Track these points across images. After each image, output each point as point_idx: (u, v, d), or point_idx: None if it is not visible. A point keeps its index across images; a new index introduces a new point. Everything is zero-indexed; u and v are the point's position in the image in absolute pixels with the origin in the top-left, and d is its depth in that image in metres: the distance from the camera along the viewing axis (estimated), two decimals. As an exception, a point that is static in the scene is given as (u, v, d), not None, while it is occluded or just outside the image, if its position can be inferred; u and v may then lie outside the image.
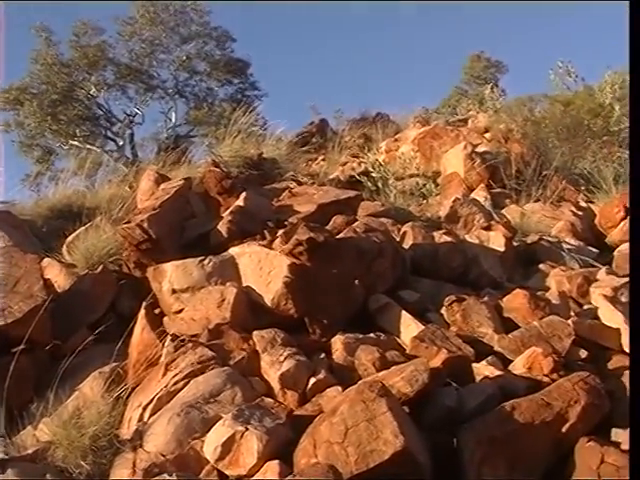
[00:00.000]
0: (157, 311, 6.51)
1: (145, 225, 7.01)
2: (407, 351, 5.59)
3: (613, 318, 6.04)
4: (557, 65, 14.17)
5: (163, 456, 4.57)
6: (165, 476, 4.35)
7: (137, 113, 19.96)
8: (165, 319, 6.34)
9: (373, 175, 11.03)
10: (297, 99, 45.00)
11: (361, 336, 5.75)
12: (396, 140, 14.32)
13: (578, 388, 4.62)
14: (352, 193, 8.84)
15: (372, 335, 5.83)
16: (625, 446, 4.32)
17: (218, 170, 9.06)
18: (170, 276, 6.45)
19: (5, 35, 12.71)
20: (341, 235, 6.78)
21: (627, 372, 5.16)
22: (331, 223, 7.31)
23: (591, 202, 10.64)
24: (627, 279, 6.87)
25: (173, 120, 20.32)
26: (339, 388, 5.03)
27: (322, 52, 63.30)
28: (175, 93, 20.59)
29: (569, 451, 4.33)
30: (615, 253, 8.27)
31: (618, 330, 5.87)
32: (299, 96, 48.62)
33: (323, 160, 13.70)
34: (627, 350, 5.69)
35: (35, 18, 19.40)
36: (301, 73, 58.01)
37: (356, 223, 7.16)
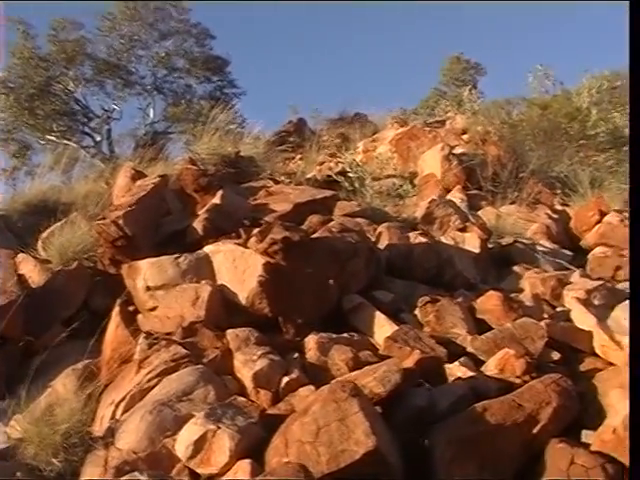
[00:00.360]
0: (131, 308, 6.49)
1: (120, 222, 7.01)
2: (380, 351, 5.61)
3: (586, 321, 6.10)
4: (536, 68, 14.28)
5: (135, 454, 4.54)
6: (136, 474, 4.33)
7: (115, 109, 19.83)
8: (139, 316, 6.32)
9: (350, 175, 11.03)
10: (276, 98, 44.92)
11: (335, 336, 5.74)
12: (374, 140, 14.33)
13: (550, 390, 4.64)
14: (328, 193, 8.87)
15: (346, 335, 5.83)
16: (595, 447, 4.34)
17: (195, 167, 9.07)
18: (145, 273, 6.43)
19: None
20: (316, 235, 6.80)
21: (598, 374, 5.20)
22: (306, 222, 7.33)
23: (567, 205, 10.71)
24: (600, 282, 6.95)
25: (151, 116, 20.24)
26: (312, 388, 5.02)
27: (301, 51, 63.24)
28: (153, 89, 20.48)
29: (540, 452, 4.35)
30: (589, 256, 8.35)
31: (590, 333, 5.92)
32: (278, 95, 48.59)
33: (300, 159, 13.69)
34: (599, 352, 5.76)
35: (13, 11, 19.28)
36: (280, 72, 57.93)
37: (331, 223, 7.18)
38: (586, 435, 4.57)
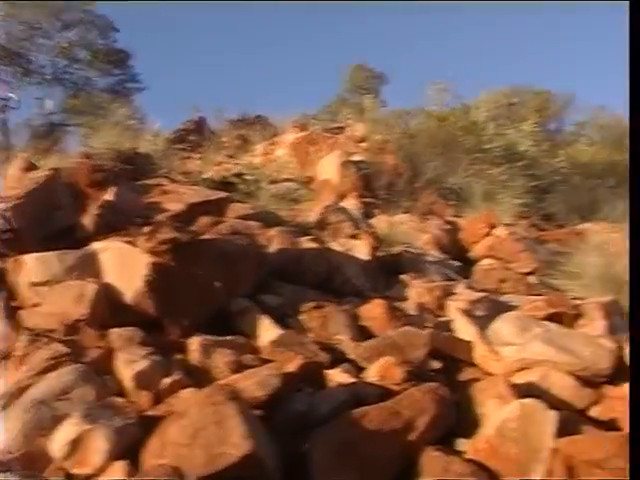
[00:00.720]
0: (15, 303, 6.33)
1: (8, 214, 6.84)
2: (264, 355, 5.60)
3: (467, 331, 6.21)
4: (436, 81, 14.58)
5: (9, 453, 4.43)
6: (8, 475, 4.24)
7: (12, 97, 19.36)
8: (22, 312, 6.16)
9: (246, 177, 11.03)
10: (177, 96, 44.66)
11: (219, 338, 5.70)
12: (273, 143, 14.37)
13: (428, 398, 4.70)
14: (222, 194, 8.85)
15: (230, 338, 5.80)
16: (468, 455, 4.45)
17: (90, 162, 8.93)
18: (29, 268, 6.29)
19: None
20: (206, 236, 6.77)
21: (476, 384, 5.29)
22: (197, 223, 7.30)
23: (459, 217, 10.92)
24: (484, 294, 7.12)
25: (49, 107, 19.83)
26: (193, 390, 4.98)
27: (206, 51, 63.04)
28: (53, 80, 20.09)
29: (416, 459, 4.39)
30: (475, 268, 8.54)
31: (471, 343, 6.03)
32: (179, 93, 48.26)
33: (199, 159, 13.62)
34: (479, 362, 5.88)
35: None
36: (182, 70, 57.60)
37: (222, 225, 7.17)
38: (461, 443, 4.66)
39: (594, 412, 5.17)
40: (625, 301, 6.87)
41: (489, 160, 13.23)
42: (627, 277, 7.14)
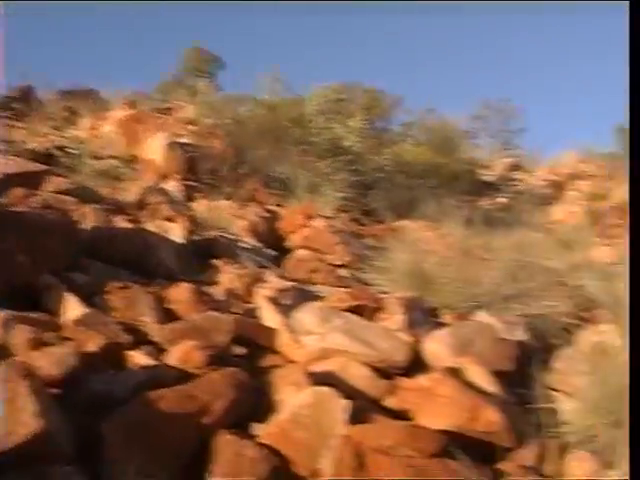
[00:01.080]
0: None
1: None
2: (65, 334, 5.52)
3: (272, 318, 6.33)
4: (268, 69, 14.71)
5: None
6: None
7: None
8: None
9: (70, 151, 10.82)
10: (5, 62, 42.98)
11: (21, 314, 5.55)
12: (101, 119, 14.09)
13: (226, 383, 4.77)
14: (41, 167, 8.68)
15: (33, 314, 5.67)
16: (262, 440, 4.56)
17: None
18: None
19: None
20: (16, 209, 6.62)
21: (277, 370, 5.43)
22: (9, 195, 7.12)
23: (280, 206, 11.07)
24: (293, 283, 7.29)
25: None
26: (-9, 366, 4.90)
27: (41, 20, 60.94)
28: None
29: (211, 442, 4.46)
30: (289, 257, 8.71)
31: (275, 330, 6.15)
32: (8, 59, 46.43)
33: (23, 129, 13.20)
34: (282, 350, 6.02)
35: None
36: (12, 35, 55.44)
37: (35, 198, 7.03)
38: (256, 428, 4.77)
39: (388, 402, 5.35)
40: (429, 297, 7.21)
41: (315, 153, 13.44)
42: (434, 274, 7.50)
